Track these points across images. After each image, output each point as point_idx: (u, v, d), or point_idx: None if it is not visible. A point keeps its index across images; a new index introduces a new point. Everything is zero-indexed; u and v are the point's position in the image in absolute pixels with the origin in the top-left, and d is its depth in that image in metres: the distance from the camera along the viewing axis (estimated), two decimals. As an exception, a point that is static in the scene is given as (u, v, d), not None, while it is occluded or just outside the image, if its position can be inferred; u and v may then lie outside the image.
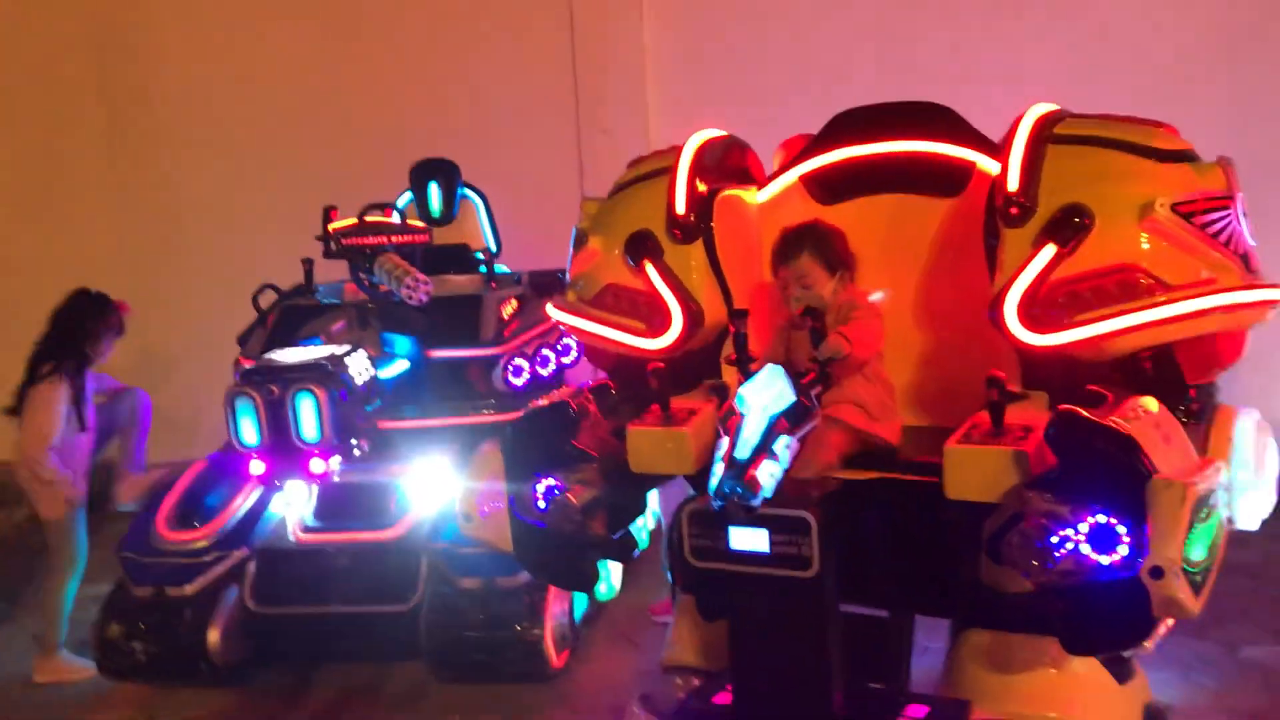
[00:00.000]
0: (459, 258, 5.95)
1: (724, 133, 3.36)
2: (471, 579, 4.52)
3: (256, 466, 4.37)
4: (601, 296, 3.20)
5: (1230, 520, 2.70)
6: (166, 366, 8.26)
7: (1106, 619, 2.44)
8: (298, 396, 4.30)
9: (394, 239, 5.05)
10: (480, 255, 6.02)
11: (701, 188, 3.13)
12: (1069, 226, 2.64)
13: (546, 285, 5.52)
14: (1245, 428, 2.92)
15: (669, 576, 3.40)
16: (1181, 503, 2.30)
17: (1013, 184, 2.73)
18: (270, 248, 6.33)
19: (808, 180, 3.33)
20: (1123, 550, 2.34)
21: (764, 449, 2.44)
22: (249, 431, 4.33)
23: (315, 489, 4.92)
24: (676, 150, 3.20)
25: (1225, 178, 2.75)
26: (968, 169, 3.10)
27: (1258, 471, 2.95)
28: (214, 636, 4.60)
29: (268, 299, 5.55)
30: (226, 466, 4.93)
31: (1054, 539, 2.37)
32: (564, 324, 3.41)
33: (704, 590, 3.13)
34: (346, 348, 4.64)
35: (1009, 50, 6.60)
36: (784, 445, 2.46)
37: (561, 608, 4.68)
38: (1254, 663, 4.37)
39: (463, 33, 7.75)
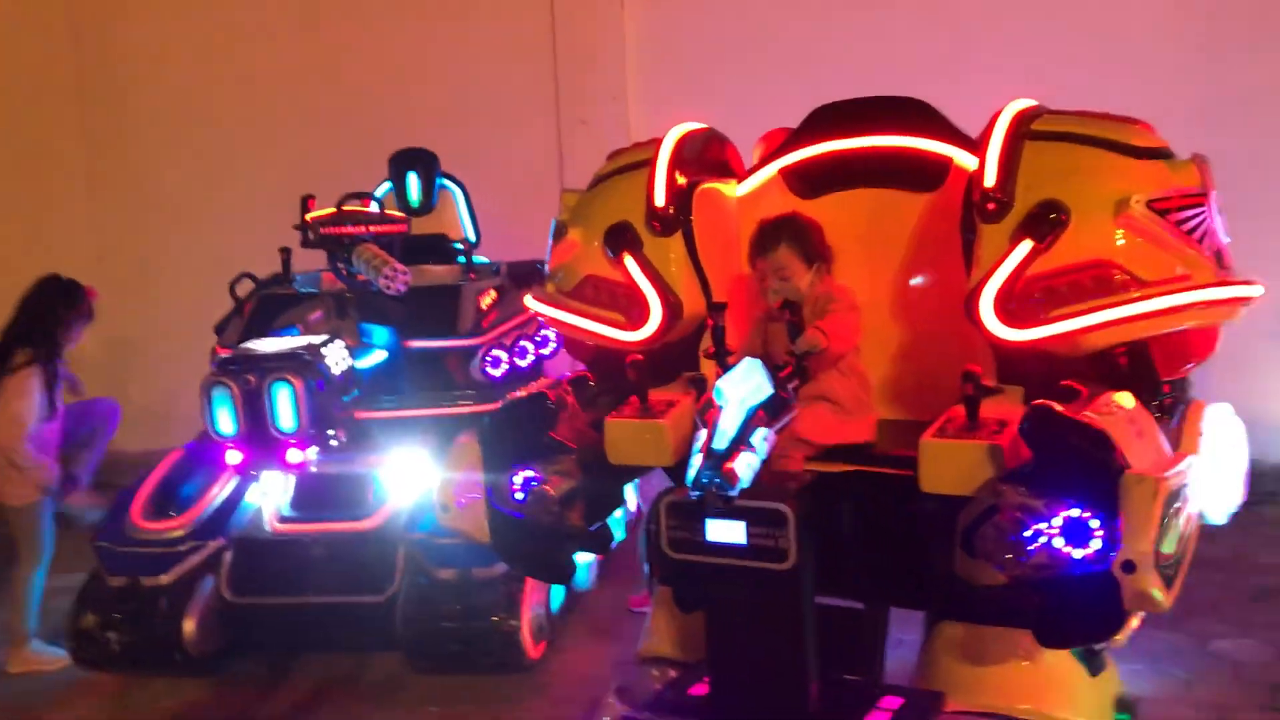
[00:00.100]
0: (437, 248, 5.94)
1: (704, 125, 3.36)
2: (448, 570, 4.52)
3: (233, 456, 4.35)
4: (580, 288, 3.20)
5: (1201, 514, 2.73)
6: (142, 355, 8.22)
7: (1079, 612, 2.46)
8: (274, 386, 4.28)
9: (372, 229, 5.03)
10: (459, 246, 6.01)
11: (681, 180, 3.13)
12: (1045, 222, 2.65)
13: (525, 276, 5.52)
14: (1217, 422, 2.95)
15: (646, 568, 3.41)
16: (1153, 497, 2.32)
17: (990, 179, 2.74)
18: (247, 236, 6.30)
19: (787, 174, 3.34)
20: (1096, 544, 2.36)
21: (742, 441, 2.45)
22: (225, 421, 4.31)
23: (292, 479, 4.90)
24: (656, 143, 3.20)
25: (1200, 175, 2.77)
26: (945, 164, 3.12)
27: (1229, 466, 2.98)
28: (189, 626, 4.58)
29: (245, 288, 5.52)
30: (203, 456, 4.91)
31: (1028, 532, 2.39)
32: (543, 315, 3.41)
33: (681, 582, 3.13)
34: (324, 337, 4.63)
35: (989, 44, 6.63)
36: (762, 438, 2.47)
37: (539, 599, 4.69)
38: (1223, 655, 4.42)
39: (443, 22, 7.73)
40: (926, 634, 3.05)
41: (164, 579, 4.63)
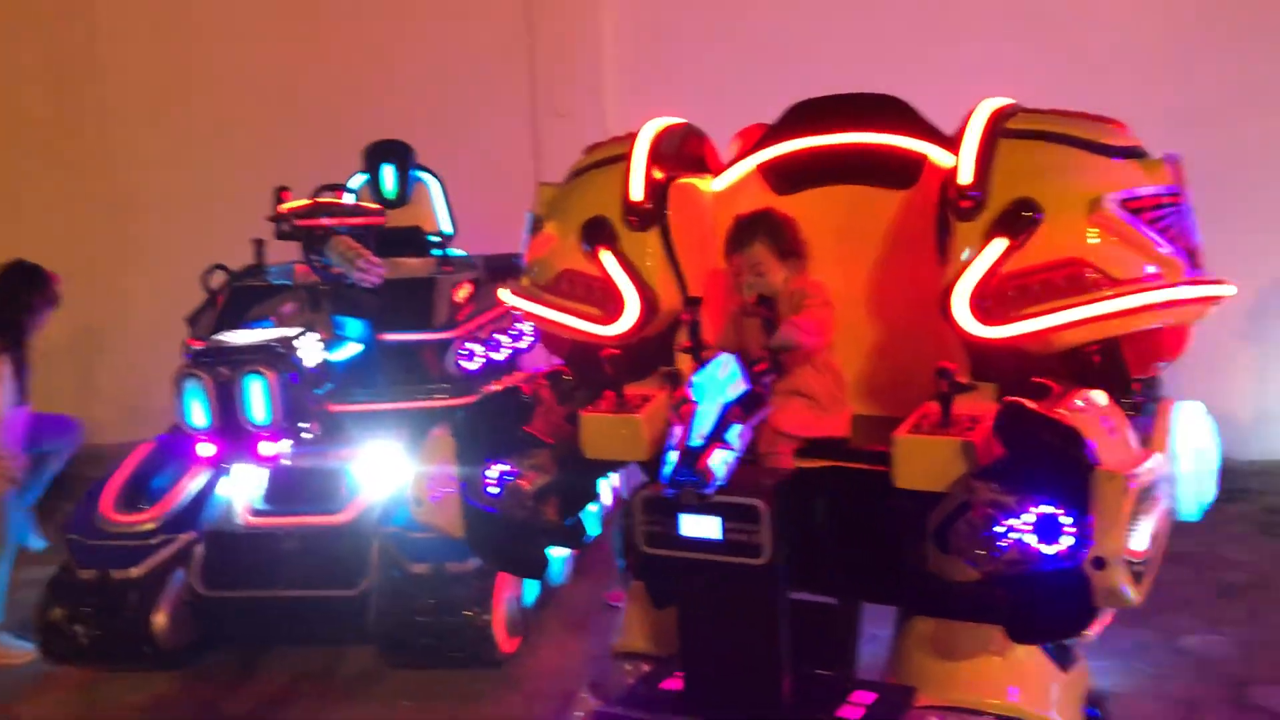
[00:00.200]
0: (413, 240, 5.92)
1: (681, 120, 3.36)
2: (422, 564, 4.51)
3: (205, 449, 4.32)
4: (556, 282, 3.19)
5: (1172, 511, 2.75)
6: (113, 345, 8.16)
7: (1050, 608, 2.47)
8: (247, 379, 4.26)
9: (347, 221, 5.00)
10: (434, 238, 5.99)
11: (658, 175, 3.13)
12: (1019, 220, 2.66)
13: (501, 269, 5.50)
14: (1188, 420, 2.97)
15: (620, 563, 3.41)
16: (1124, 494, 2.34)
17: (965, 177, 2.75)
18: (220, 227, 6.27)
19: (764, 170, 3.34)
20: (1067, 540, 2.37)
21: (717, 437, 2.45)
22: (198, 414, 4.28)
23: (265, 472, 4.87)
24: (633, 137, 3.19)
25: (1173, 174, 2.79)
26: (921, 161, 3.13)
27: (1199, 463, 3.00)
28: (160, 620, 4.56)
29: (217, 279, 5.49)
30: (175, 448, 4.87)
31: (1000, 528, 2.40)
32: (518, 309, 3.40)
33: (655, 577, 3.14)
34: (297, 330, 4.60)
35: (965, 42, 6.66)
36: (737, 433, 2.48)
37: (512, 593, 4.69)
38: (1191, 651, 4.47)
39: (419, 13, 7.70)
40: (899, 629, 3.06)
41: (134, 572, 4.60)
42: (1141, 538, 2.39)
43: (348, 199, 5.28)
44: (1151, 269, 2.67)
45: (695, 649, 2.74)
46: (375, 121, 6.51)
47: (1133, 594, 2.37)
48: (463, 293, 5.40)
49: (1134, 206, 2.68)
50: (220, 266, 5.51)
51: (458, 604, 4.46)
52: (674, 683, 2.87)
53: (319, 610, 4.64)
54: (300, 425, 4.43)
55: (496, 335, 5.46)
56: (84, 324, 7.83)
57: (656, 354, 3.17)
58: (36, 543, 5.69)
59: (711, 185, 3.36)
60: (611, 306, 3.06)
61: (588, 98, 7.36)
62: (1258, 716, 3.98)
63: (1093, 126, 2.83)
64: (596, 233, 3.08)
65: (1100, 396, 2.69)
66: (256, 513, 4.86)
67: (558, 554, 5.00)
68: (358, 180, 6.10)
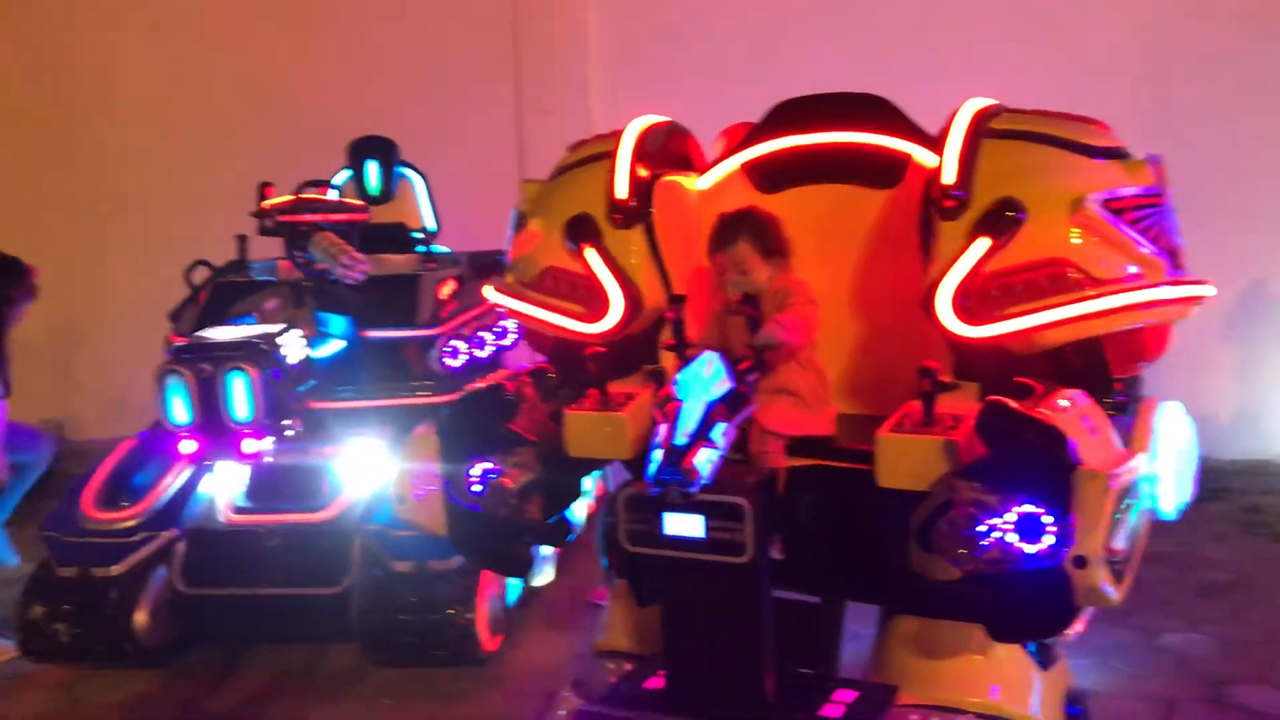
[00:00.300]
0: (396, 237, 5.90)
1: (666, 118, 3.36)
2: (405, 562, 4.49)
3: (188, 446, 4.30)
4: (541, 279, 3.18)
5: (1153, 511, 2.77)
6: (94, 340, 8.12)
7: (1031, 607, 2.49)
8: (230, 375, 4.24)
9: (330, 217, 4.99)
10: (418, 235, 5.97)
11: (643, 173, 3.13)
12: (1002, 220, 2.67)
13: (485, 267, 5.50)
14: (1168, 420, 2.99)
15: (604, 561, 3.41)
16: (1105, 494, 2.35)
17: (948, 177, 2.75)
18: (203, 223, 6.23)
19: (748, 168, 3.34)
20: (1048, 539, 2.38)
21: (702, 435, 2.45)
22: (180, 410, 4.26)
23: (247, 469, 4.85)
24: (618, 135, 3.19)
25: (1155, 175, 2.81)
26: (905, 161, 3.14)
27: (1179, 464, 3.02)
28: (141, 618, 4.53)
29: (200, 275, 5.46)
30: (156, 445, 4.84)
31: (981, 527, 2.41)
32: (502, 306, 3.39)
33: (639, 575, 3.14)
34: (280, 326, 4.58)
35: (949, 43, 6.69)
36: (721, 432, 2.48)
37: (495, 592, 4.68)
38: (1171, 649, 4.49)
39: (404, 9, 7.67)
40: (881, 628, 3.07)
41: (115, 569, 4.57)
42: (1122, 537, 2.40)
43: (331, 195, 5.26)
44: (1133, 269, 2.68)
45: (678, 647, 2.74)
46: (359, 117, 6.48)
47: (1114, 593, 2.38)
48: (446, 290, 5.39)
49: (1116, 207, 2.70)
50: (203, 262, 5.48)
51: (440, 602, 4.45)
52: (657, 681, 2.87)
53: (301, 608, 4.63)
54: (283, 422, 4.42)
55: (480, 332, 5.45)
56: (65, 319, 7.79)
57: (641, 352, 3.17)
58: (11, 559, 5.65)
59: (696, 183, 3.36)
60: (596, 304, 3.06)
61: (573, 95, 7.35)
62: (1237, 715, 4.01)
63: (1076, 127, 2.84)
64: (581, 230, 3.08)
65: (1082, 396, 2.71)
66: (238, 510, 4.84)
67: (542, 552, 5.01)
68: (342, 176, 6.07)
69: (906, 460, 2.59)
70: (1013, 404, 2.51)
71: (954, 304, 2.68)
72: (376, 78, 7.62)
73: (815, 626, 3.04)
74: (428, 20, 7.60)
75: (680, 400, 2.48)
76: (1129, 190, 2.73)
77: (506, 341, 5.65)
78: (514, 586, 4.93)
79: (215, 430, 4.27)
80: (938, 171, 2.79)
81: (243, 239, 5.45)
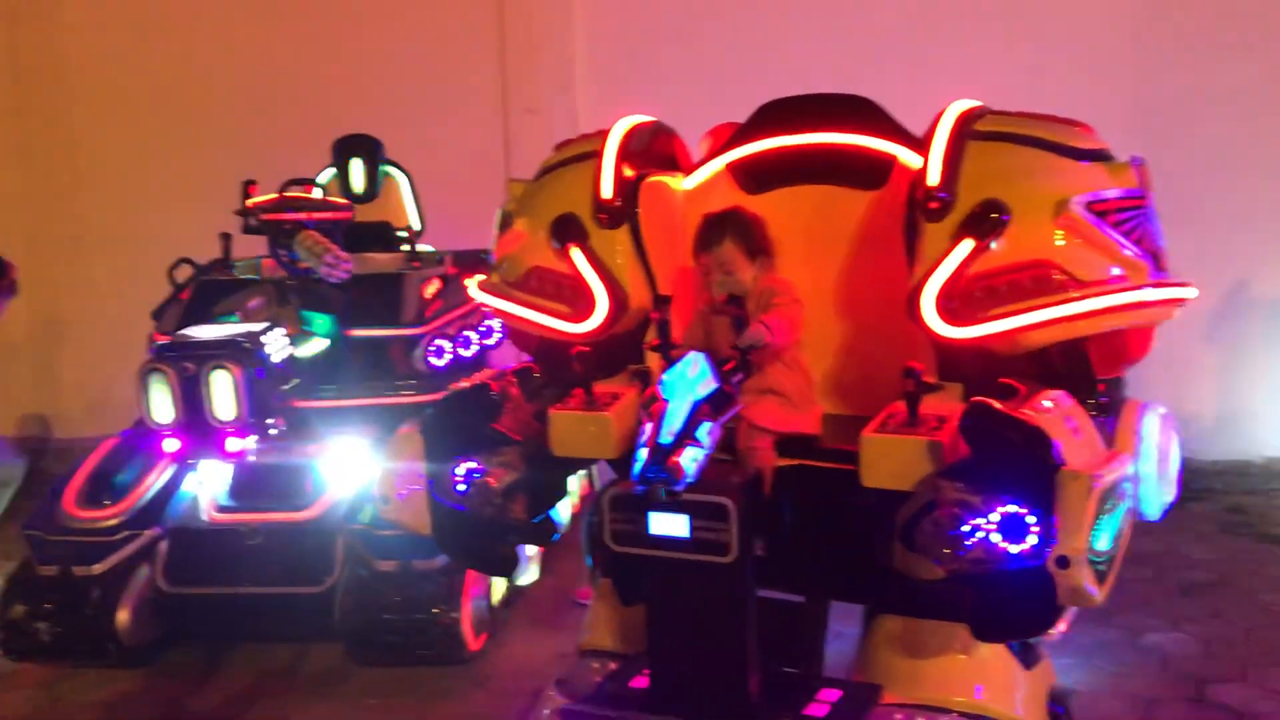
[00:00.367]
0: (381, 236, 5.88)
1: (652, 118, 3.36)
2: (388, 561, 4.48)
3: (170, 444, 4.28)
4: (526, 279, 3.18)
5: (1135, 511, 2.78)
6: (76, 337, 8.06)
7: (1015, 607, 2.50)
8: (213, 374, 4.22)
9: (315, 215, 4.97)
10: (403, 234, 5.96)
11: (629, 173, 3.13)
12: (986, 221, 2.68)
13: (470, 266, 5.49)
14: (1151, 422, 3.00)
15: (588, 560, 3.41)
16: (1088, 494, 2.36)
17: (933, 178, 2.76)
18: (187, 221, 6.20)
19: (734, 169, 3.35)
20: (1031, 540, 2.40)
21: (687, 435, 2.46)
22: (163, 409, 4.24)
23: (230, 468, 4.83)
24: (604, 134, 3.19)
25: (1138, 177, 2.82)
26: (890, 162, 3.14)
27: (1161, 464, 3.03)
28: (123, 617, 4.50)
29: (184, 273, 5.44)
30: (139, 443, 4.82)
31: (965, 527, 2.42)
32: (488, 306, 3.39)
33: (623, 574, 3.14)
34: (264, 325, 4.56)
35: (934, 44, 6.71)
36: (706, 431, 2.48)
37: (479, 591, 4.67)
38: (1153, 648, 4.51)
39: (389, 7, 7.65)
40: (865, 627, 3.08)
41: (97, 568, 4.54)
42: (1105, 537, 2.41)
43: (316, 193, 5.24)
44: (1117, 271, 2.70)
45: (662, 646, 2.75)
46: (344, 116, 6.46)
47: (1096, 593, 2.40)
48: (431, 289, 5.37)
49: (1100, 209, 2.71)
50: (186, 260, 5.45)
51: (425, 601, 4.44)
52: (641, 680, 2.87)
53: (284, 607, 4.61)
54: (266, 421, 4.40)
55: (465, 332, 5.44)
56: (46, 317, 7.74)
57: (626, 352, 3.18)
58: None
59: (681, 183, 3.36)
60: (581, 304, 3.06)
61: (558, 94, 7.35)
62: (1218, 713, 4.03)
63: (1060, 129, 2.85)
64: (566, 230, 3.08)
65: (1065, 397, 2.72)
66: (221, 509, 4.82)
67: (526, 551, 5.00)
68: (326, 175, 6.06)
69: (891, 460, 2.60)
70: (997, 405, 2.52)
71: (938, 305, 2.69)
72: (362, 76, 7.60)
73: (799, 626, 3.05)
74: (413, 19, 7.58)
75: (665, 400, 2.48)
76: (1112, 193, 2.75)
77: (491, 341, 5.64)
78: (498, 585, 4.92)
79: (198, 429, 4.25)
80: (922, 173, 2.80)
81: (227, 237, 5.42)
